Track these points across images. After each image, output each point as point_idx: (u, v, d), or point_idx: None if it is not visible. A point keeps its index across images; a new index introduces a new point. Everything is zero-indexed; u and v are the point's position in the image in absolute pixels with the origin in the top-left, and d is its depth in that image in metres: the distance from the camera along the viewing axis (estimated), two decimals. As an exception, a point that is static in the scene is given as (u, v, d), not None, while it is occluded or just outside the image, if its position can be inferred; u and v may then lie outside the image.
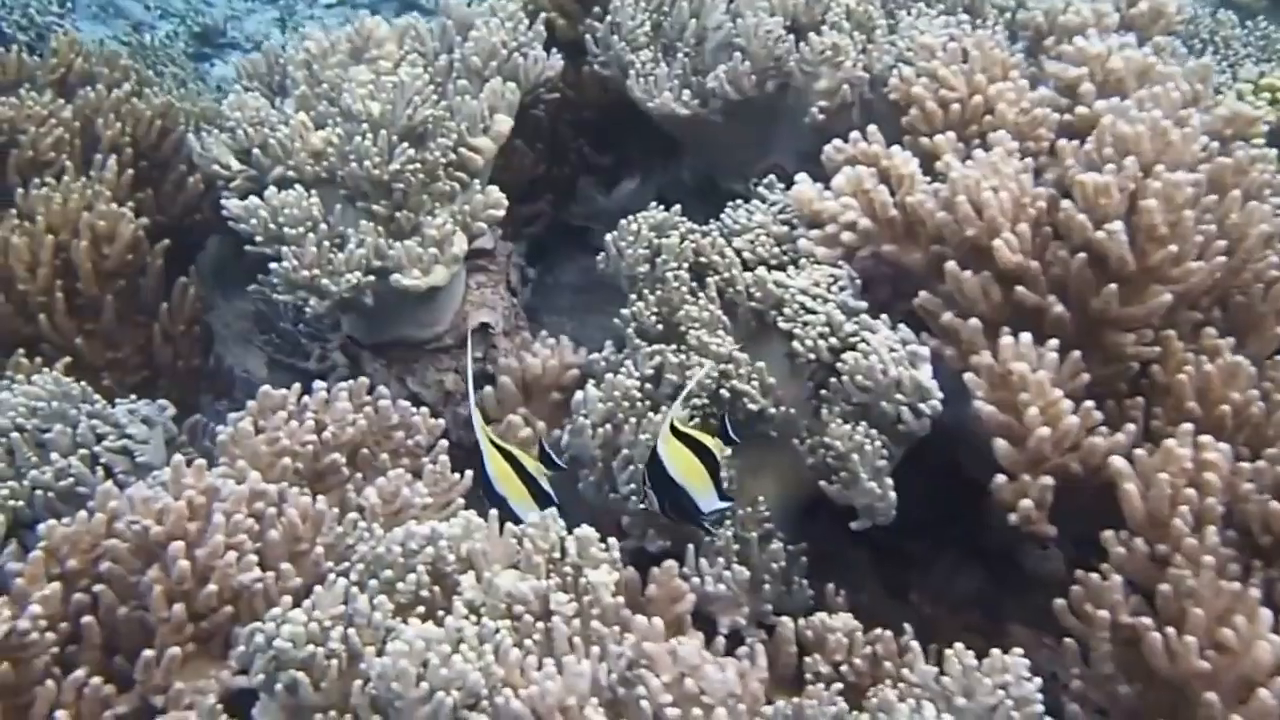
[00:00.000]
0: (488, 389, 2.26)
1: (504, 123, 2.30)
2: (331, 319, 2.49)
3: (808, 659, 1.81)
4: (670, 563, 1.78)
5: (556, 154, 3.04)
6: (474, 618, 1.53)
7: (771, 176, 2.23)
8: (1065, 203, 1.81)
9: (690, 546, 1.90)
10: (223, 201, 2.18)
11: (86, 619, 1.61)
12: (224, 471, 1.79)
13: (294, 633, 1.45)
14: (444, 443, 2.03)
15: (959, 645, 1.56)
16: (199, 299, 2.67)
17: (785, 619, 1.84)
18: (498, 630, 1.48)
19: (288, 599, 1.55)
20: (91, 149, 2.72)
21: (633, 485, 1.91)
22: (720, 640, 1.77)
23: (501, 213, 2.27)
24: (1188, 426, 1.71)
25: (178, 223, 2.79)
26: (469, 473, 1.97)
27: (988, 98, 2.01)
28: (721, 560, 1.89)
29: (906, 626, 1.82)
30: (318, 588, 1.53)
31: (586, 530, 1.62)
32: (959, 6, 2.34)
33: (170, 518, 1.62)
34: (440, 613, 1.57)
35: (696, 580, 1.85)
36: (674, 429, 1.79)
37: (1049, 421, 1.73)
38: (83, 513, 1.70)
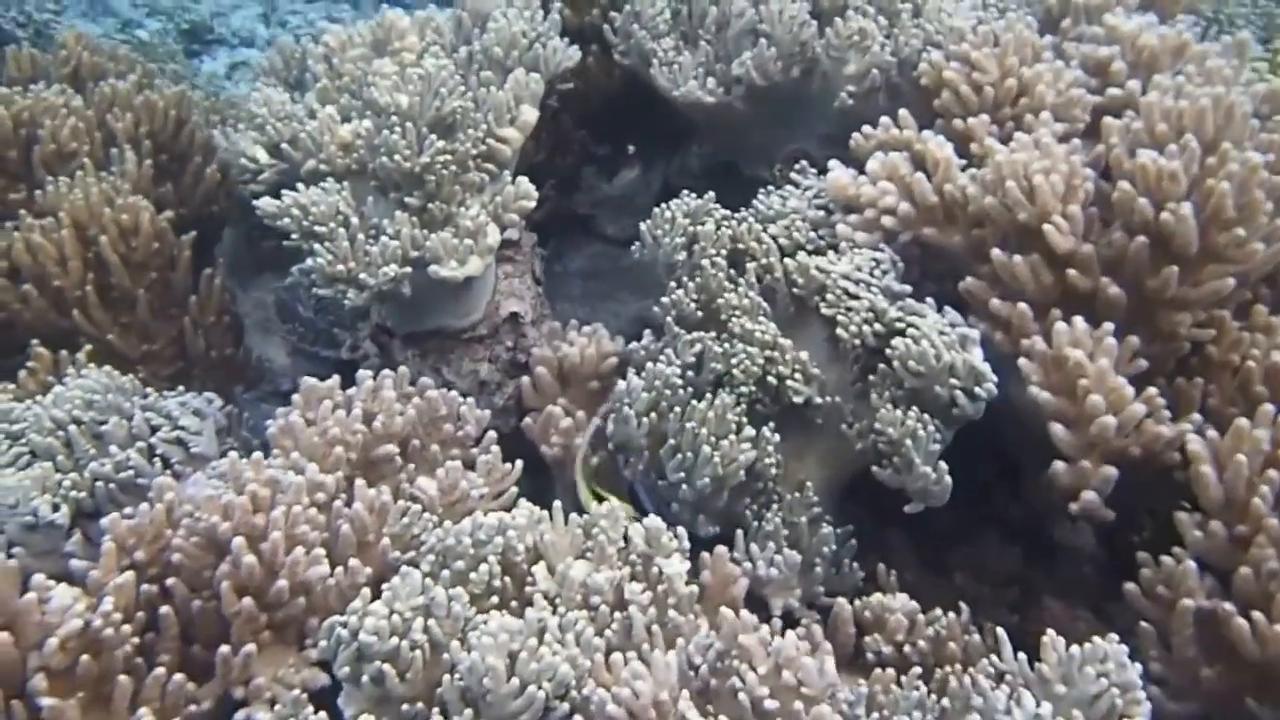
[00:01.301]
0: (524, 379, 2.28)
1: (530, 113, 2.30)
2: (362, 308, 2.49)
3: (867, 639, 1.85)
4: (722, 548, 1.81)
5: (558, 142, 3.06)
6: (550, 609, 1.56)
7: (803, 162, 2.25)
8: (1122, 184, 1.82)
9: (739, 531, 1.93)
10: (255, 201, 2.18)
11: (165, 610, 1.63)
12: (281, 463, 1.81)
13: (377, 625, 1.47)
14: (492, 433, 2.05)
15: (1051, 632, 1.56)
16: (226, 289, 2.66)
17: (842, 600, 1.88)
18: (577, 621, 1.51)
19: (366, 591, 1.57)
20: (110, 142, 2.70)
21: (681, 473, 1.92)
22: (775, 622, 1.79)
23: (532, 204, 2.28)
24: (1268, 408, 1.72)
25: (196, 215, 2.79)
26: (519, 462, 1.99)
27: (1022, 80, 2.03)
28: (772, 544, 1.91)
29: (962, 606, 1.86)
30: (395, 579, 1.55)
31: (655, 520, 1.65)
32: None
33: (235, 513, 1.63)
34: (513, 603, 1.60)
35: (748, 565, 1.88)
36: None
37: (1112, 407, 1.75)
38: (144, 505, 1.72)
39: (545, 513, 1.70)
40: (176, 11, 6.60)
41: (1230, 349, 1.92)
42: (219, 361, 2.66)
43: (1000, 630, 1.67)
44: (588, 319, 2.45)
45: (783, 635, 1.52)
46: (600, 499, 1.98)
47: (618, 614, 1.55)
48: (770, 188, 2.22)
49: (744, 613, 1.53)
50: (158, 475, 1.89)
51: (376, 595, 1.55)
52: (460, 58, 2.38)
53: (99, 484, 1.91)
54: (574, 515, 1.70)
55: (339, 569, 1.68)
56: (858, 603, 1.88)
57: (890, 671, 1.72)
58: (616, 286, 3.17)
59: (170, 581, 1.65)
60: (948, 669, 1.75)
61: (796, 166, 2.25)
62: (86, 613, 1.55)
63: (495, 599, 1.59)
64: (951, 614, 1.83)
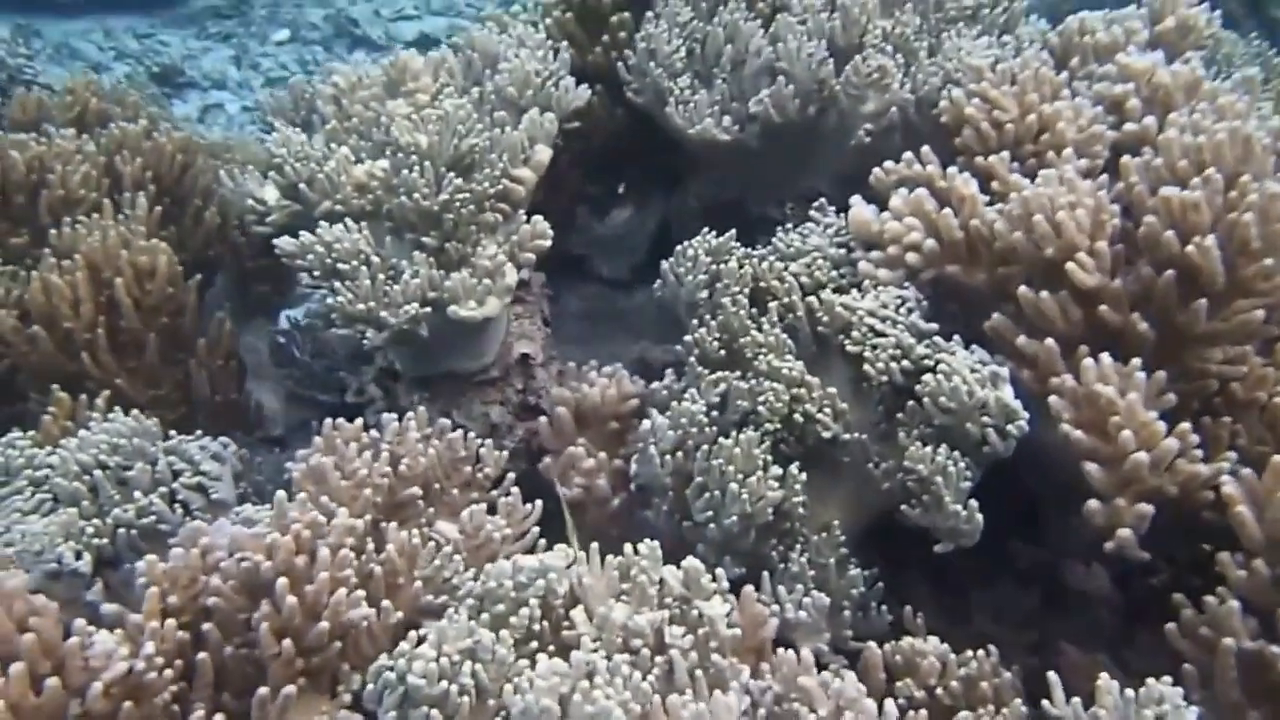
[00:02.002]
0: (542, 420, 2.26)
1: (544, 153, 2.31)
2: (366, 353, 2.47)
3: (898, 684, 1.83)
4: (750, 589, 1.78)
5: (554, 182, 3.04)
6: (593, 652, 1.53)
7: (821, 200, 2.24)
8: (1148, 218, 1.82)
9: (765, 574, 1.91)
10: (274, 241, 2.16)
11: (202, 657, 1.60)
12: (311, 506, 1.78)
13: (426, 669, 1.45)
14: (511, 474, 2.03)
15: (1104, 676, 1.56)
16: (233, 333, 2.64)
17: (872, 644, 1.86)
18: (622, 665, 1.48)
19: (413, 634, 1.55)
20: (116, 186, 2.69)
21: (709, 512, 1.90)
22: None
23: (548, 243, 2.28)
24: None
25: (195, 259, 2.77)
26: (539, 503, 1.97)
27: (1043, 117, 2.03)
28: (800, 587, 1.89)
29: (991, 649, 1.84)
30: (441, 623, 1.54)
31: (694, 562, 1.62)
32: (995, 28, 2.37)
33: (279, 554, 1.61)
34: (550, 646, 1.57)
35: (776, 606, 1.86)
36: None
37: (1143, 444, 1.75)
38: (178, 550, 1.69)
39: (582, 554, 1.68)
40: (146, 55, 6.63)
41: (1255, 386, 1.92)
42: (223, 406, 2.63)
43: (1052, 675, 1.64)
44: (585, 362, 2.43)
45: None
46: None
47: (658, 658, 1.53)
48: (789, 225, 2.22)
49: (804, 652, 1.52)
50: (179, 521, 1.88)
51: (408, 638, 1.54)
52: (472, 98, 2.38)
53: (120, 530, 1.89)
54: (610, 556, 1.68)
55: (372, 611, 1.66)
56: (888, 647, 1.86)
57: (923, 714, 1.70)
58: (614, 329, 3.15)
59: (205, 627, 1.62)
60: (979, 711, 1.74)
61: (815, 204, 2.25)
62: (130, 658, 1.52)
63: (535, 643, 1.57)
64: (981, 653, 1.81)
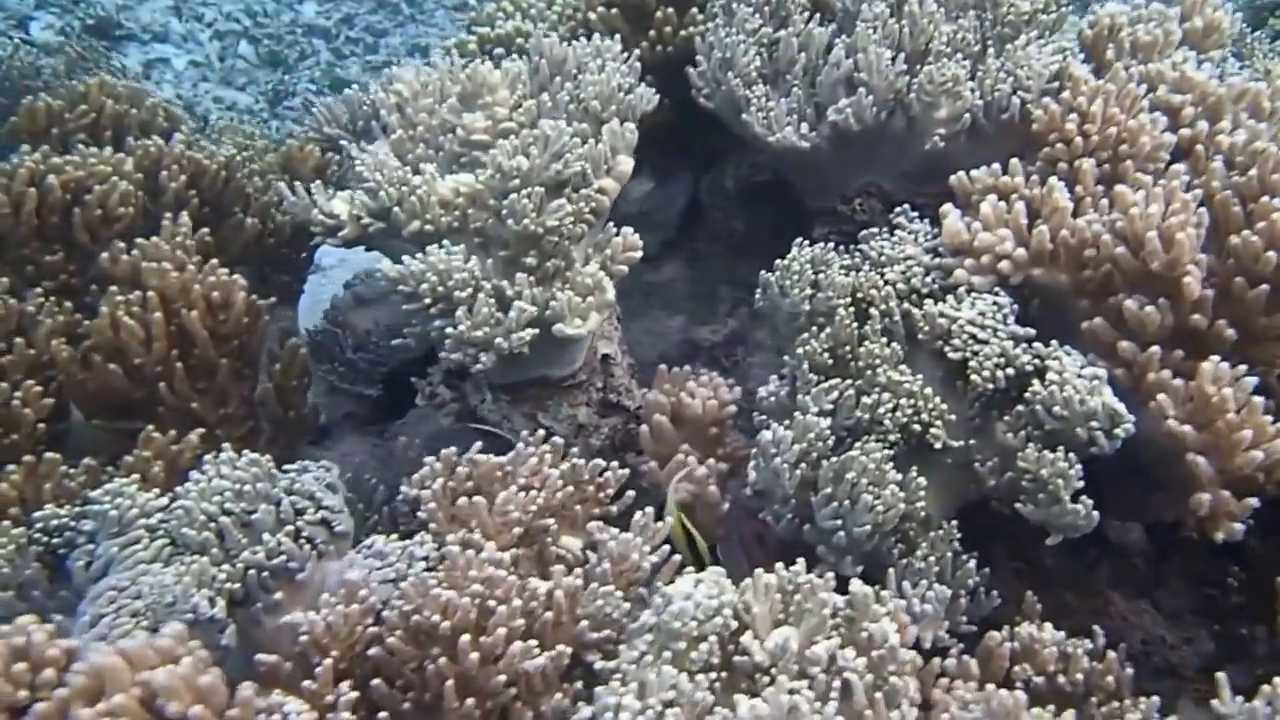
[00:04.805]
0: (643, 428, 2.31)
1: (626, 163, 2.34)
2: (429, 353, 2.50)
3: (1016, 669, 1.94)
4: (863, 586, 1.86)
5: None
6: (766, 679, 1.60)
7: (905, 206, 2.32)
8: (1245, 233, 1.95)
9: (890, 571, 2.01)
10: (381, 268, 2.16)
11: (383, 716, 1.65)
12: (455, 538, 1.84)
13: (635, 721, 1.50)
14: (631, 492, 2.09)
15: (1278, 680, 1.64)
16: (301, 354, 2.64)
17: (994, 632, 1.98)
18: (817, 699, 1.55)
19: (616, 682, 1.59)
20: (153, 200, 2.65)
21: (837, 520, 1.99)
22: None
23: (639, 255, 2.32)
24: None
25: (232, 263, 2.74)
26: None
27: (1129, 131, 2.14)
28: (924, 582, 2.00)
29: (1096, 629, 1.98)
30: (632, 668, 1.59)
31: (862, 586, 1.69)
32: (1047, 30, 2.46)
33: (459, 614, 1.66)
34: (724, 674, 1.63)
35: (901, 601, 1.96)
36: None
37: (1258, 442, 1.88)
38: (336, 603, 1.74)
39: (747, 581, 1.72)
40: (79, 5, 6.29)
41: None
42: (293, 421, 2.63)
43: (1220, 674, 1.72)
44: (624, 338, 2.51)
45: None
46: (689, 536, 2.03)
47: (835, 682, 1.59)
48: (876, 230, 2.29)
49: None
50: (307, 557, 1.92)
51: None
52: (544, 106, 2.40)
53: (251, 573, 1.90)
54: (768, 579, 1.72)
55: (546, 660, 1.71)
56: (1005, 632, 1.98)
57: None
58: (646, 304, 3.21)
59: (375, 683, 1.68)
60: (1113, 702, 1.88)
61: (897, 211, 2.33)
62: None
63: (711, 675, 1.61)
64: (1102, 643, 1.94)
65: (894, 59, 2.39)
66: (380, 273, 2.17)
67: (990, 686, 1.61)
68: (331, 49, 7.38)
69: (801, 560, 1.72)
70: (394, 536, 1.99)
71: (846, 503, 1.98)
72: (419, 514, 1.96)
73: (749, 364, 2.91)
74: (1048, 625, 1.99)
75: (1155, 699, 1.88)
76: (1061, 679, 1.91)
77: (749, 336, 2.99)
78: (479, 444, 2.01)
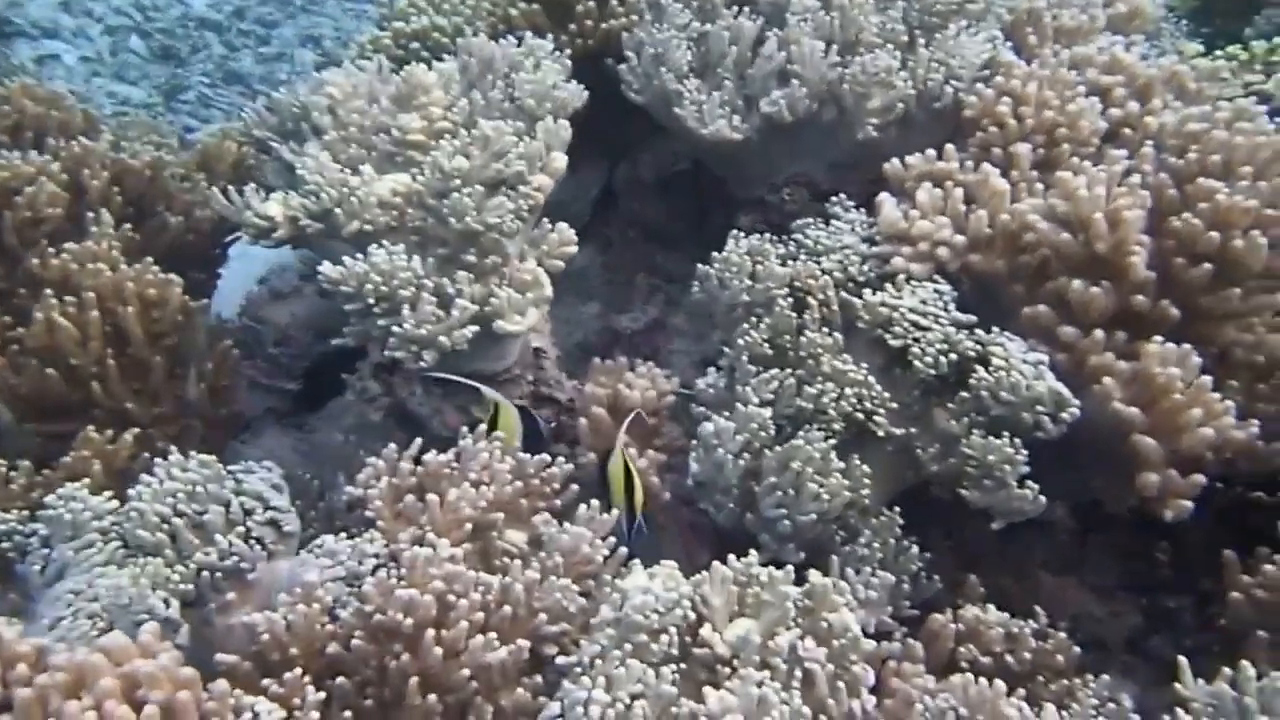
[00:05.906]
0: (582, 421, 2.32)
1: (560, 159, 2.34)
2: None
3: (961, 649, 1.98)
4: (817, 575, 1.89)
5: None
6: (727, 671, 1.62)
7: (841, 196, 2.35)
8: (1187, 216, 1.98)
9: (833, 558, 2.04)
10: (321, 269, 2.14)
11: (347, 715, 1.65)
12: (410, 536, 1.86)
13: (604, 714, 1.51)
14: (574, 487, 2.09)
15: (1245, 662, 1.68)
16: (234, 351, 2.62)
17: (937, 615, 2.02)
18: (782, 689, 1.57)
19: (583, 676, 1.59)
20: (77, 200, 2.61)
21: (782, 509, 2.02)
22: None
23: (574, 249, 2.32)
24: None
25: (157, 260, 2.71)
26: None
27: (1067, 115, 2.18)
28: (868, 569, 2.03)
29: (1037, 609, 2.03)
30: (599, 661, 1.60)
31: (820, 578, 1.71)
32: (974, 19, 2.49)
33: (420, 611, 1.66)
34: (682, 665, 1.65)
35: (845, 585, 1.99)
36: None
37: (1207, 420, 1.92)
38: (295, 603, 1.74)
39: (703, 574, 1.74)
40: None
41: (1254, 350, 2.08)
42: (225, 419, 2.61)
43: (1182, 659, 1.75)
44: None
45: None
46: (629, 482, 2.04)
47: (796, 672, 1.61)
48: (811, 220, 2.32)
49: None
50: (259, 557, 1.92)
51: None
52: (477, 103, 2.39)
53: (204, 574, 1.89)
54: (724, 571, 1.74)
55: (507, 654, 1.72)
56: (948, 614, 2.02)
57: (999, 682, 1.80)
58: (561, 291, 3.19)
59: (339, 680, 1.68)
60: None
61: (833, 200, 2.35)
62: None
63: (670, 666, 1.63)
64: (1048, 624, 1.99)
65: (826, 51, 2.41)
66: (324, 276, 2.15)
67: (968, 677, 1.64)
68: (224, 42, 7.30)
69: (754, 552, 1.74)
70: (342, 536, 1.98)
71: (791, 491, 2.01)
72: (366, 512, 1.95)
73: (668, 351, 2.92)
74: (990, 606, 2.03)
75: (1105, 677, 1.94)
76: (1009, 659, 1.96)
77: (668, 323, 3.00)
78: (419, 440, 2.01)
